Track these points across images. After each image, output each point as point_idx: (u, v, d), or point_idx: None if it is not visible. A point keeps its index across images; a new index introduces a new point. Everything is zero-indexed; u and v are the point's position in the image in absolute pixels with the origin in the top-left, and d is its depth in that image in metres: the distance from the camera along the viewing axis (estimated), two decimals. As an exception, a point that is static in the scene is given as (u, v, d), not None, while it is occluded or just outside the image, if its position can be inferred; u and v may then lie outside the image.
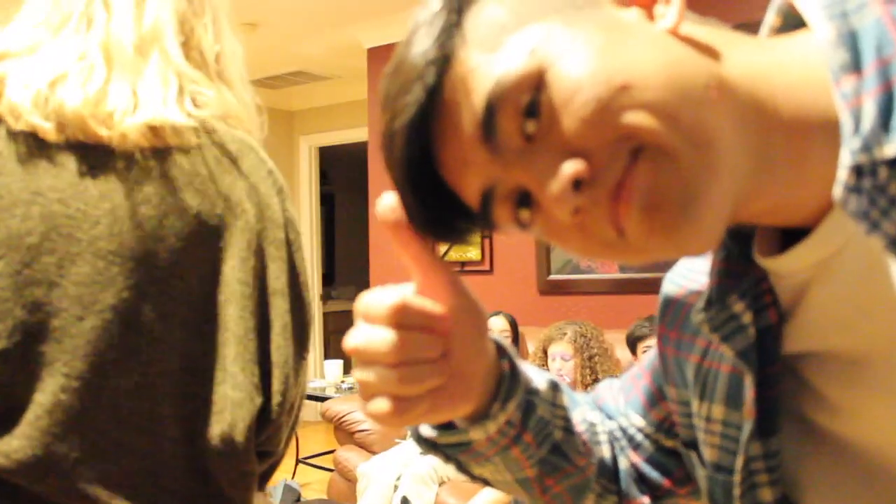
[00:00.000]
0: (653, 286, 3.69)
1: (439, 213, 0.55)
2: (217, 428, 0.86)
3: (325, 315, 7.00)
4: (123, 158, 0.86)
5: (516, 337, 3.87)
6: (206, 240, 0.88)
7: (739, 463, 0.57)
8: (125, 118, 0.86)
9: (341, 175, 8.06)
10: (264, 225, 0.91)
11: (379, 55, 4.63)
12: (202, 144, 0.90)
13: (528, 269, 4.27)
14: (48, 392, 0.82)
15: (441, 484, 3.35)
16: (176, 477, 0.86)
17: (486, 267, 4.43)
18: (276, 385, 0.89)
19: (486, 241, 4.42)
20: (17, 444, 0.81)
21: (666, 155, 0.46)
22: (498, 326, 3.81)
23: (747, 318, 0.55)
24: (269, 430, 0.90)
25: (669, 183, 0.46)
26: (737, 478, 0.57)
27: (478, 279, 4.40)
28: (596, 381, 3.53)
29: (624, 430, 0.75)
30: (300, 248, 0.95)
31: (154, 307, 0.85)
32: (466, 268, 4.47)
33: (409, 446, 3.63)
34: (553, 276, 4.20)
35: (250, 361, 0.87)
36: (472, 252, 4.45)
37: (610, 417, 0.76)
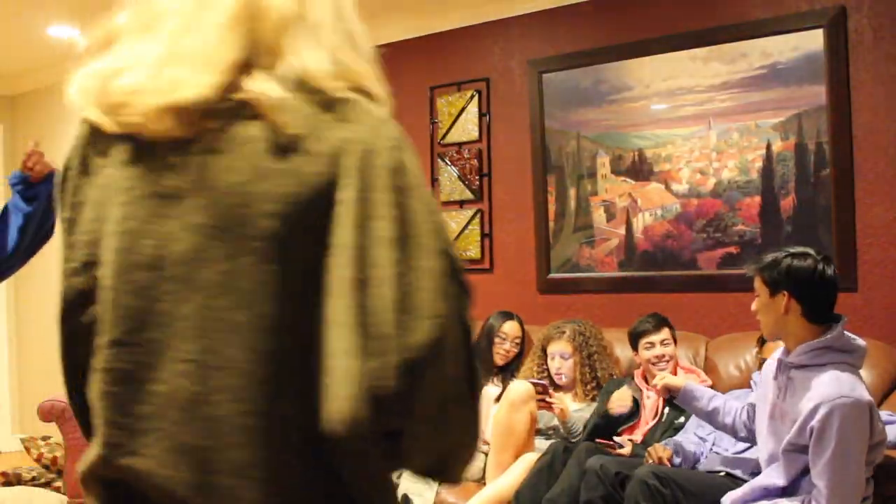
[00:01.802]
0: (652, 285, 3.73)
1: None
2: (333, 404, 0.75)
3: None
4: (206, 132, 0.82)
5: (523, 338, 3.87)
6: (308, 201, 0.80)
7: None
8: (173, 95, 0.82)
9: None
10: (372, 180, 0.80)
11: (379, 54, 4.62)
12: (296, 105, 0.82)
13: (527, 268, 4.28)
14: (165, 380, 0.79)
15: (441, 483, 3.35)
16: (296, 457, 0.79)
17: (486, 266, 4.43)
18: (390, 343, 0.75)
19: (486, 240, 4.43)
20: (146, 441, 0.80)
21: None
22: (513, 331, 3.81)
23: None
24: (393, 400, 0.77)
25: None
26: None
27: (478, 278, 4.41)
28: (595, 379, 3.53)
29: None
30: (417, 194, 0.81)
31: (253, 278, 0.79)
32: (466, 267, 4.47)
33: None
34: (553, 275, 4.20)
35: (360, 325, 0.75)
36: (471, 251, 4.46)
37: None
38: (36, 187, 2.49)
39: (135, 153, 0.86)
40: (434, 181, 4.58)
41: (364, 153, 0.81)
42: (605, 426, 3.26)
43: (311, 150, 0.81)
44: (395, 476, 3.66)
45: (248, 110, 0.82)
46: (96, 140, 0.90)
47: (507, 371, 3.78)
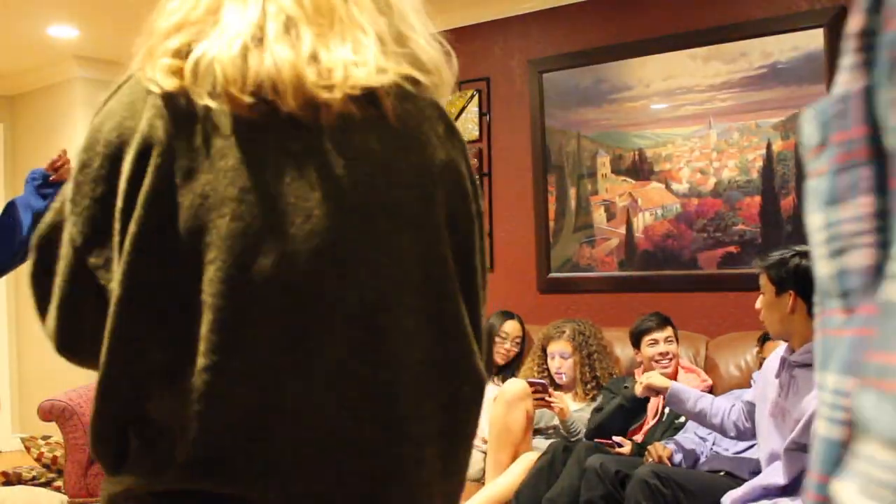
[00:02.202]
0: (652, 284, 3.72)
1: None
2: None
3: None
4: (329, 130, 0.79)
5: (524, 338, 3.88)
6: (419, 217, 0.84)
7: None
8: (343, 79, 0.79)
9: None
10: (465, 194, 0.87)
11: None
12: (407, 110, 0.83)
13: (528, 268, 4.28)
14: (319, 374, 0.78)
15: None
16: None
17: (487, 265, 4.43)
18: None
19: (487, 240, 4.42)
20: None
21: None
22: (513, 331, 3.81)
23: None
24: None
25: None
26: None
27: (478, 277, 4.40)
28: (595, 378, 3.53)
29: None
30: (483, 219, 0.93)
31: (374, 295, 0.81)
32: (466, 266, 4.48)
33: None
34: (553, 275, 4.20)
35: (464, 334, 0.87)
36: (472, 250, 4.45)
37: None
38: (53, 186, 2.56)
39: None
40: (434, 181, 4.58)
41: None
42: (630, 411, 3.20)
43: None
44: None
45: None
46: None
47: (508, 370, 3.78)
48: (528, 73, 4.29)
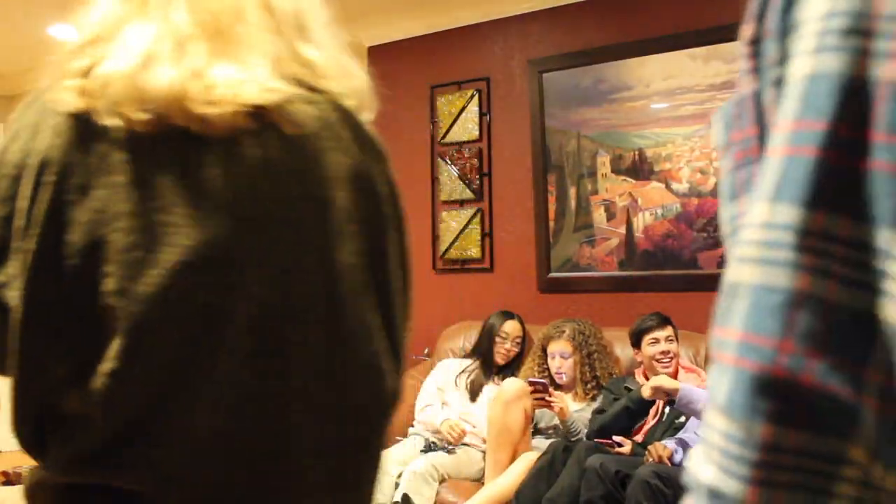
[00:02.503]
0: (652, 284, 3.71)
1: None
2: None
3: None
4: (219, 143, 0.81)
5: (524, 338, 3.88)
6: (313, 224, 0.84)
7: None
8: (229, 95, 0.81)
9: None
10: (374, 200, 0.88)
11: (379, 53, 4.63)
12: (302, 120, 0.84)
13: (528, 267, 4.28)
14: (211, 383, 0.80)
15: (441, 482, 3.36)
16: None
17: (487, 265, 4.43)
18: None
19: (487, 240, 4.43)
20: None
21: None
22: (514, 331, 3.81)
23: None
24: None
25: None
26: None
27: (478, 277, 4.41)
28: (595, 378, 3.53)
29: None
30: (405, 221, 0.93)
31: (269, 308, 0.82)
32: (466, 266, 4.47)
33: (410, 444, 3.64)
34: (553, 274, 4.20)
35: (372, 344, 0.87)
36: (472, 250, 4.45)
37: None
38: None
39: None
40: (434, 180, 4.58)
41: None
42: (636, 413, 3.19)
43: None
44: (395, 476, 3.65)
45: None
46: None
47: (508, 370, 3.78)
48: (528, 73, 4.29)
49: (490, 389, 3.68)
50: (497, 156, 4.42)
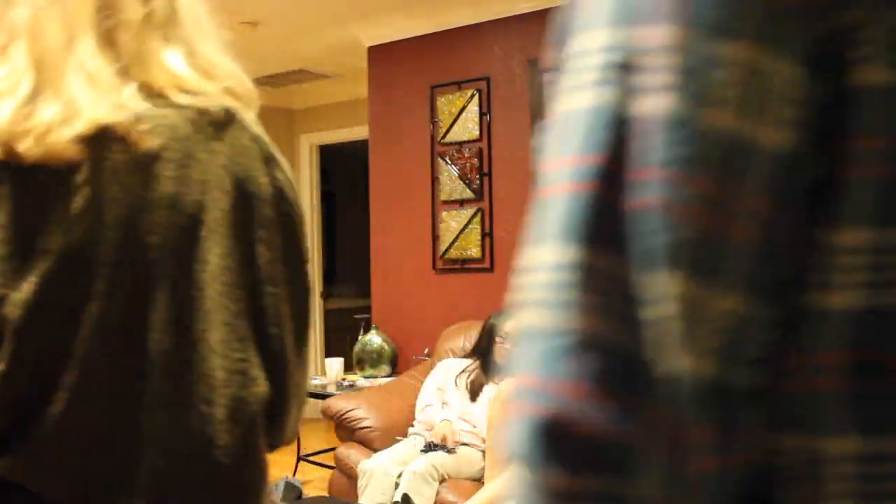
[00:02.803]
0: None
1: None
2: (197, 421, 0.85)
3: (326, 312, 6.99)
4: (55, 172, 0.82)
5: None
6: (184, 231, 0.84)
7: None
8: (57, 130, 0.82)
9: (342, 173, 8.07)
10: (249, 203, 0.87)
11: (379, 53, 4.63)
12: (157, 129, 0.84)
13: (528, 267, 4.28)
14: (56, 412, 0.83)
15: (441, 481, 3.36)
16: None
17: (487, 265, 4.43)
18: (273, 376, 0.88)
19: (487, 240, 4.43)
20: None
21: None
22: (514, 331, 3.81)
23: None
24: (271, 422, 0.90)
25: None
26: None
27: (478, 277, 4.41)
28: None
29: None
30: (298, 219, 0.91)
31: (128, 311, 0.84)
32: (467, 266, 4.48)
33: (410, 444, 3.64)
34: (553, 274, 4.20)
35: (237, 351, 0.85)
36: (472, 250, 4.46)
37: None
38: None
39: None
40: (434, 180, 4.58)
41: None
42: None
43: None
44: (395, 476, 3.66)
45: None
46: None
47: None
48: (528, 73, 4.29)
49: (490, 389, 3.69)
50: (497, 156, 4.42)
